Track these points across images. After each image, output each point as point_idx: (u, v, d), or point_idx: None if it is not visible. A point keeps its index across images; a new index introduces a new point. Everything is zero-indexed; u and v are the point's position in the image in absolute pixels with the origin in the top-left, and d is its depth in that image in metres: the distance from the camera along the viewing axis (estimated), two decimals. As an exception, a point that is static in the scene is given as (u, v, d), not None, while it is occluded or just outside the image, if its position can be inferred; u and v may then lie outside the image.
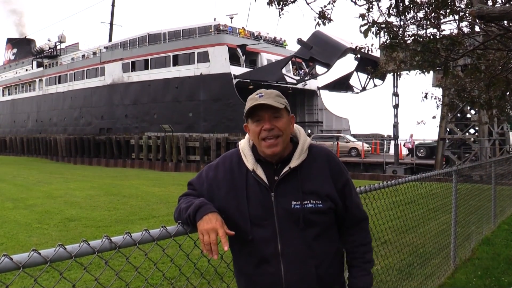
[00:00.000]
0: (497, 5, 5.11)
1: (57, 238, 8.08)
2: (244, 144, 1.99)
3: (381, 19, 5.56)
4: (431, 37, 5.65)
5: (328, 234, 1.90)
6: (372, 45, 9.05)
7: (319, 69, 31.96)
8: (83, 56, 49.24)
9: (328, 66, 28.38)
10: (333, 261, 1.91)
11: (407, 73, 8.47)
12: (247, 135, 2.01)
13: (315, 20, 5.74)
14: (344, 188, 1.94)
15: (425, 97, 10.14)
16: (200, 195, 1.96)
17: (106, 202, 12.61)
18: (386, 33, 5.33)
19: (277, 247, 1.82)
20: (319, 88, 39.06)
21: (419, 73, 6.48)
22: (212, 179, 1.97)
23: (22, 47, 67.58)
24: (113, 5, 56.52)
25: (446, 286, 5.18)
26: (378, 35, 5.21)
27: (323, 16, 5.67)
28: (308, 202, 1.84)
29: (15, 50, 68.08)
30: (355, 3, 5.50)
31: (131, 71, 40.53)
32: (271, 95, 1.89)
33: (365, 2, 5.46)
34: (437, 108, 11.27)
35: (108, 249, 1.59)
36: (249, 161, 1.92)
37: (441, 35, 5.87)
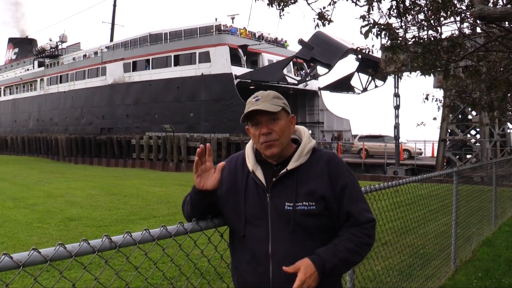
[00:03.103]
0: (499, 6, 5.11)
1: (57, 238, 8.08)
2: (248, 145, 2.04)
3: (381, 21, 5.56)
4: (432, 39, 5.64)
5: (321, 238, 1.86)
6: (373, 46, 9.08)
7: (320, 69, 31.92)
8: (84, 56, 49.28)
9: (329, 66, 28.36)
10: None
11: (408, 75, 8.47)
12: None
13: (314, 21, 5.73)
14: (343, 191, 1.87)
15: (426, 98, 10.16)
16: None
17: (107, 202, 12.62)
18: (386, 35, 5.33)
19: (268, 247, 1.83)
20: (320, 89, 39.02)
21: (420, 75, 6.48)
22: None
23: (23, 46, 67.70)
24: (114, 5, 56.58)
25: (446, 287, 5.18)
26: (379, 36, 5.21)
27: (322, 17, 5.67)
28: (301, 204, 1.83)
29: (16, 50, 68.19)
30: (356, 4, 5.50)
31: (132, 71, 40.56)
32: (268, 98, 1.89)
33: (365, 2, 5.46)
34: (438, 111, 11.29)
35: (108, 248, 1.59)
36: (250, 162, 1.96)
37: (440, 38, 5.86)
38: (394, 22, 5.92)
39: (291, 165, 1.88)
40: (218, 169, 1.93)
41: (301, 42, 28.14)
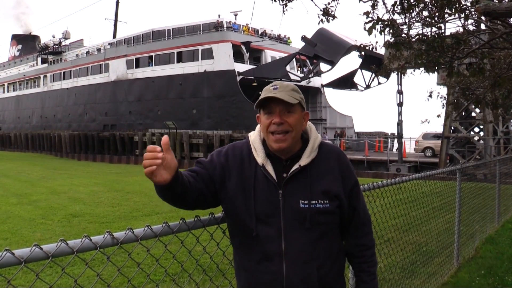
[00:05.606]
0: (504, 2, 5.07)
1: (60, 234, 8.11)
2: (255, 137, 1.94)
3: (386, 17, 5.53)
4: (436, 36, 5.61)
5: (332, 234, 1.89)
6: (376, 42, 9.03)
7: (323, 66, 31.87)
8: (87, 52, 49.33)
9: (332, 63, 28.31)
10: (335, 262, 1.89)
11: (411, 73, 8.42)
12: (258, 127, 1.95)
13: (318, 17, 5.71)
14: (353, 190, 1.92)
15: (430, 96, 10.10)
16: (209, 176, 1.87)
17: (110, 199, 12.65)
18: (390, 31, 5.30)
19: (281, 246, 1.78)
20: (323, 86, 38.97)
21: (424, 72, 6.45)
22: (224, 165, 1.89)
23: (27, 43, 67.83)
24: (117, 2, 56.58)
25: (449, 285, 5.17)
26: (382, 33, 5.18)
27: (326, 13, 5.64)
28: (316, 202, 1.80)
29: (20, 47, 68.30)
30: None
31: (135, 67, 40.57)
32: (286, 89, 1.83)
33: (370, -2, 5.43)
34: (443, 108, 11.22)
35: (110, 244, 1.59)
36: (259, 155, 1.87)
37: (443, 34, 5.83)
38: (398, 18, 5.89)
39: (304, 161, 1.84)
40: (167, 148, 1.70)
41: (304, 39, 28.08)
